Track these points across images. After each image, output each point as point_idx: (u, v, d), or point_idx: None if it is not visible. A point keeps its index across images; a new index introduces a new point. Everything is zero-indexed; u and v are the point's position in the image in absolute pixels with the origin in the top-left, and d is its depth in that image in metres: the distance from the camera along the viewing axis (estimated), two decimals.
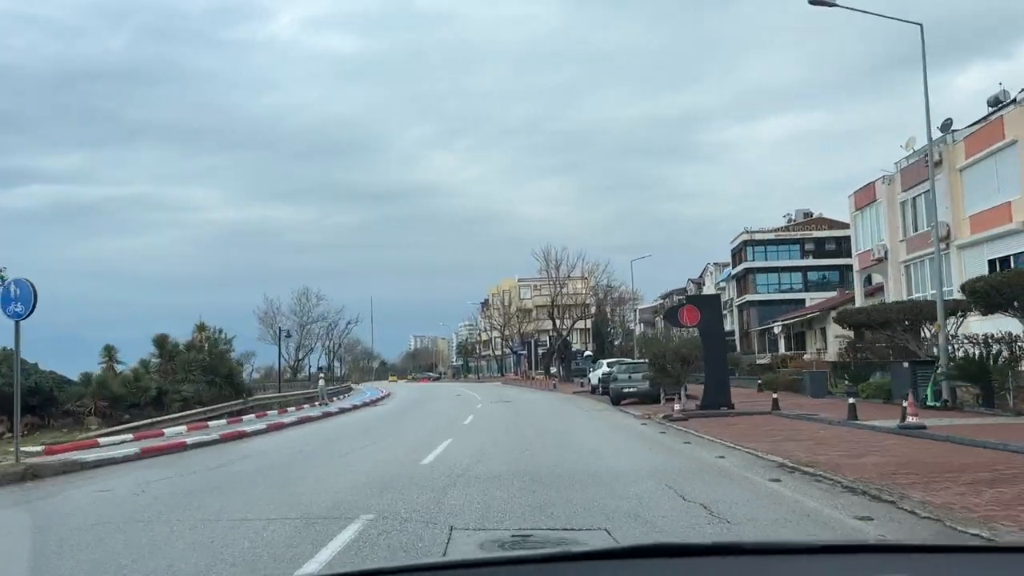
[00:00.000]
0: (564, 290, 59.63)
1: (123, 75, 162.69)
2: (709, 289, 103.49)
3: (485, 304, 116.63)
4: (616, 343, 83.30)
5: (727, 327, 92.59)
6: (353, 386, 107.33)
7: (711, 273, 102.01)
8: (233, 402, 28.30)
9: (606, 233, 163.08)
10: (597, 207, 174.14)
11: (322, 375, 36.20)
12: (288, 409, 33.51)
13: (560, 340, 57.81)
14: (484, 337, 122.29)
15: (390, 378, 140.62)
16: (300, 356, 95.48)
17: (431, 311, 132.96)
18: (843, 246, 78.95)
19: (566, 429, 20.68)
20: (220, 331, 31.71)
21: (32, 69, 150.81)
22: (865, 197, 42.81)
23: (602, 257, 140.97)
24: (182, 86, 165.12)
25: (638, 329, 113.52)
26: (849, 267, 79.93)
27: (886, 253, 39.85)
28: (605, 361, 41.45)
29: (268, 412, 29.54)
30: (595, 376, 40.46)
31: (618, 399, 29.30)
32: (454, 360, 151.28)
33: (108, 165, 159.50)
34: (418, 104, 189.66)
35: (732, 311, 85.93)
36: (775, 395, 23.44)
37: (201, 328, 30.72)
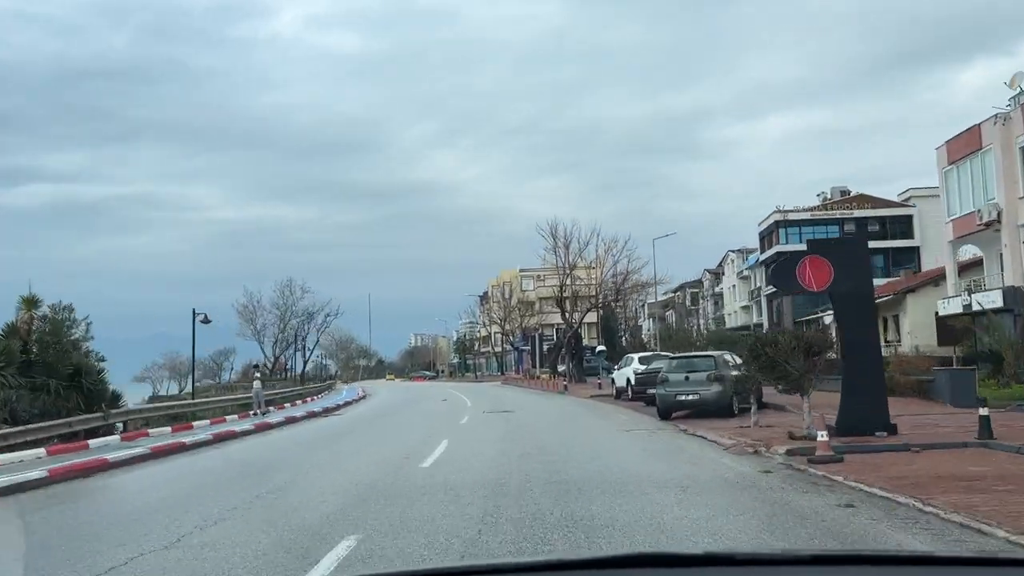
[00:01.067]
0: (575, 273, 50.25)
1: (125, 74, 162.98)
2: (731, 280, 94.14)
3: (484, 298, 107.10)
4: (622, 338, 73.91)
5: (753, 318, 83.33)
6: (340, 385, 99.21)
7: (732, 261, 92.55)
8: (77, 418, 18.78)
9: (607, 231, 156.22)
10: (599, 206, 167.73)
11: (257, 375, 26.71)
12: (193, 425, 23.68)
13: (570, 333, 48.71)
14: (483, 333, 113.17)
15: (387, 377, 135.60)
16: (278, 353, 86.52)
17: (432, 309, 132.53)
18: (889, 227, 69.63)
19: (618, 484, 10.47)
20: (67, 309, 22.02)
21: (33, 68, 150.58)
22: (965, 145, 33.42)
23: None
24: (184, 85, 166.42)
25: (647, 324, 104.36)
26: (898, 251, 70.85)
27: (999, 215, 30.55)
28: (636, 356, 31.85)
29: (150, 432, 20.18)
30: (621, 376, 31.05)
31: (669, 411, 19.86)
32: (452, 358, 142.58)
33: (109, 164, 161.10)
34: (419, 103, 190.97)
35: (760, 301, 76.56)
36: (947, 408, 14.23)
37: (30, 304, 20.64)
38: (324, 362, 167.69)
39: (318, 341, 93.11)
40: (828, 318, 51.42)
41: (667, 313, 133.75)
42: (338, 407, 34.84)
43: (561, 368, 58.37)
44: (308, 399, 45.83)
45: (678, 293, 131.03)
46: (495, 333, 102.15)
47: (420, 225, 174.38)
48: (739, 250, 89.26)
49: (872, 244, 69.40)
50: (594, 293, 48.95)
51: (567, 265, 49.18)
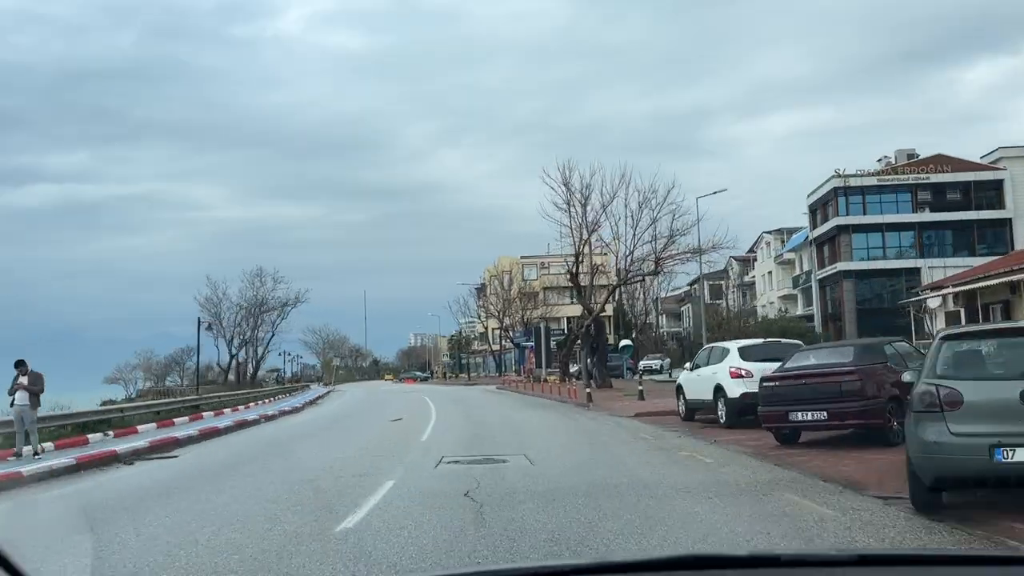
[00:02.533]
0: (594, 239, 36.88)
1: (130, 73, 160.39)
2: (766, 267, 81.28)
3: (481, 290, 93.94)
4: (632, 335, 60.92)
5: (799, 309, 70.23)
6: (316, 387, 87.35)
7: (767, 245, 79.68)
8: None
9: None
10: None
11: (23, 380, 14.67)
12: None
13: (590, 320, 35.65)
14: (480, 329, 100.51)
15: (385, 377, 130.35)
16: (235, 351, 73.93)
17: (434, 308, 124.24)
18: (974, 195, 56.89)
19: None
20: None
21: (39, 68, 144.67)
22: None
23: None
24: (189, 84, 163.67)
25: (659, 321, 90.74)
26: (983, 224, 58.13)
27: None
28: (734, 345, 17.74)
29: None
30: (702, 382, 17.36)
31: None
32: (443, 356, 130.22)
33: (114, 163, 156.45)
34: (425, 101, 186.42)
35: (812, 287, 63.83)
36: None
37: None
38: (304, 361, 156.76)
39: (272, 335, 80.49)
40: (934, 302, 38.50)
41: (681, 309, 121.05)
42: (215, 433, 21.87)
43: (574, 368, 45.49)
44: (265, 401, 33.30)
45: (695, 286, 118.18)
46: (493, 329, 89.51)
47: (425, 223, 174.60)
48: (776, 231, 76.48)
49: (952, 216, 56.28)
50: (626, 263, 35.60)
51: (584, 227, 36.38)
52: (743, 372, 15.74)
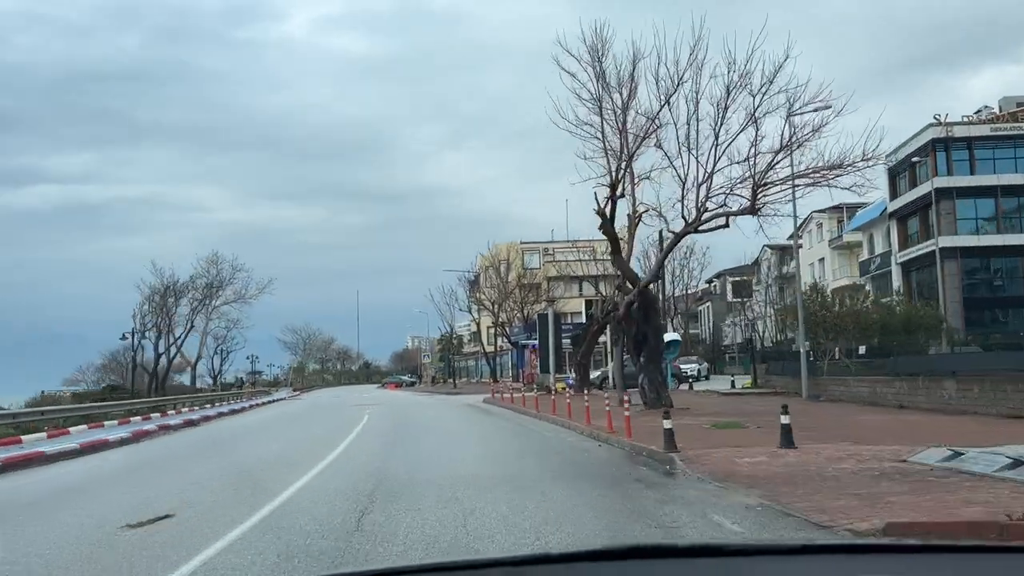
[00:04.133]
0: (639, 166, 22.02)
1: (133, 75, 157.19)
2: (818, 252, 67.44)
3: (474, 283, 79.67)
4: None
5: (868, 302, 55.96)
6: (281, 392, 75.14)
7: (818, 227, 65.71)
8: None
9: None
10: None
11: None
12: None
13: (634, 293, 20.81)
14: (472, 327, 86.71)
15: (380, 383, 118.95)
16: (168, 347, 60.36)
17: (427, 308, 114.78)
18: None
19: None
20: None
21: (42, 69, 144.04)
22: None
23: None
24: (192, 86, 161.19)
25: (670, 325, 74.79)
26: None
27: None
28: None
29: None
30: None
31: None
32: (424, 357, 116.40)
33: (116, 165, 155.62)
34: (428, 105, 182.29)
35: (890, 273, 49.99)
36: None
37: None
38: (276, 366, 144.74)
39: (206, 327, 67.43)
40: None
41: (699, 308, 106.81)
42: None
43: (596, 375, 31.55)
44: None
45: (714, 283, 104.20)
46: (487, 328, 75.62)
47: (428, 227, 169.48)
48: (834, 208, 62.28)
49: None
50: (702, 194, 19.38)
51: (624, 139, 21.25)
52: None
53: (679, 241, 20.56)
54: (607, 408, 16.97)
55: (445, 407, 33.90)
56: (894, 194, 48.71)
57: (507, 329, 67.34)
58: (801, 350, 26.61)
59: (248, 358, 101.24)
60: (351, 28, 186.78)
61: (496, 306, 65.61)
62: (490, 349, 75.99)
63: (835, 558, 2.07)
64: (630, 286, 21.09)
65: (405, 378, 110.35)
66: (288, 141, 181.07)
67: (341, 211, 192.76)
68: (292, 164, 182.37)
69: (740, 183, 19.73)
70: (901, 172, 47.71)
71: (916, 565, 2.02)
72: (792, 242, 73.32)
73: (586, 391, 28.56)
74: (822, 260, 65.17)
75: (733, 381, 33.30)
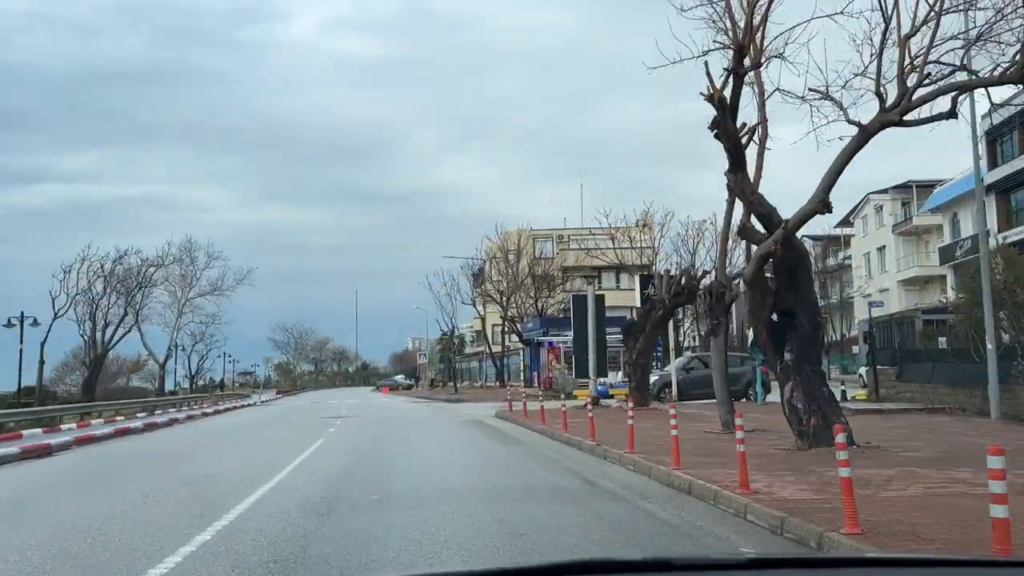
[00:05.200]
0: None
1: (139, 76, 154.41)
2: (876, 240, 58.59)
3: (479, 276, 70.63)
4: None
5: (946, 295, 46.99)
6: (260, 395, 67.76)
7: (877, 211, 56.79)
8: None
9: None
10: (611, 213, 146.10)
11: None
12: None
13: (777, 240, 11.22)
14: (477, 324, 78.22)
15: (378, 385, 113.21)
16: (103, 340, 51.74)
17: (429, 307, 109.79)
18: None
19: None
20: None
21: (48, 69, 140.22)
22: None
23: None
24: (198, 87, 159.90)
25: (685, 325, 64.95)
26: None
27: None
28: None
29: None
30: None
31: None
32: (421, 358, 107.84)
33: (122, 165, 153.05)
34: (434, 108, 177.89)
35: (982, 261, 40.98)
36: None
37: None
38: (256, 369, 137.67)
39: (179, 326, 59.47)
40: None
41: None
42: None
43: (655, 377, 22.83)
44: None
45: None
46: (493, 325, 66.89)
47: (432, 229, 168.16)
48: (898, 187, 53.41)
49: None
50: (918, 57, 10.85)
51: None
52: None
53: (867, 140, 11.28)
54: (716, 438, 8.33)
55: (443, 423, 25.03)
56: (993, 163, 39.93)
57: (517, 325, 58.62)
58: (989, 345, 18.01)
59: (220, 356, 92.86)
60: (357, 31, 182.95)
61: (505, 298, 56.90)
62: (497, 349, 67.31)
63: (781, 572, 2.04)
64: (761, 228, 12.01)
65: (400, 380, 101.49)
66: (293, 143, 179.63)
67: (344, 212, 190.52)
68: (296, 166, 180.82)
69: (993, 25, 10.75)
70: (1005, 135, 38.98)
71: None
72: (840, 231, 64.45)
73: (649, 403, 19.81)
74: (881, 249, 56.38)
75: (844, 391, 24.58)
